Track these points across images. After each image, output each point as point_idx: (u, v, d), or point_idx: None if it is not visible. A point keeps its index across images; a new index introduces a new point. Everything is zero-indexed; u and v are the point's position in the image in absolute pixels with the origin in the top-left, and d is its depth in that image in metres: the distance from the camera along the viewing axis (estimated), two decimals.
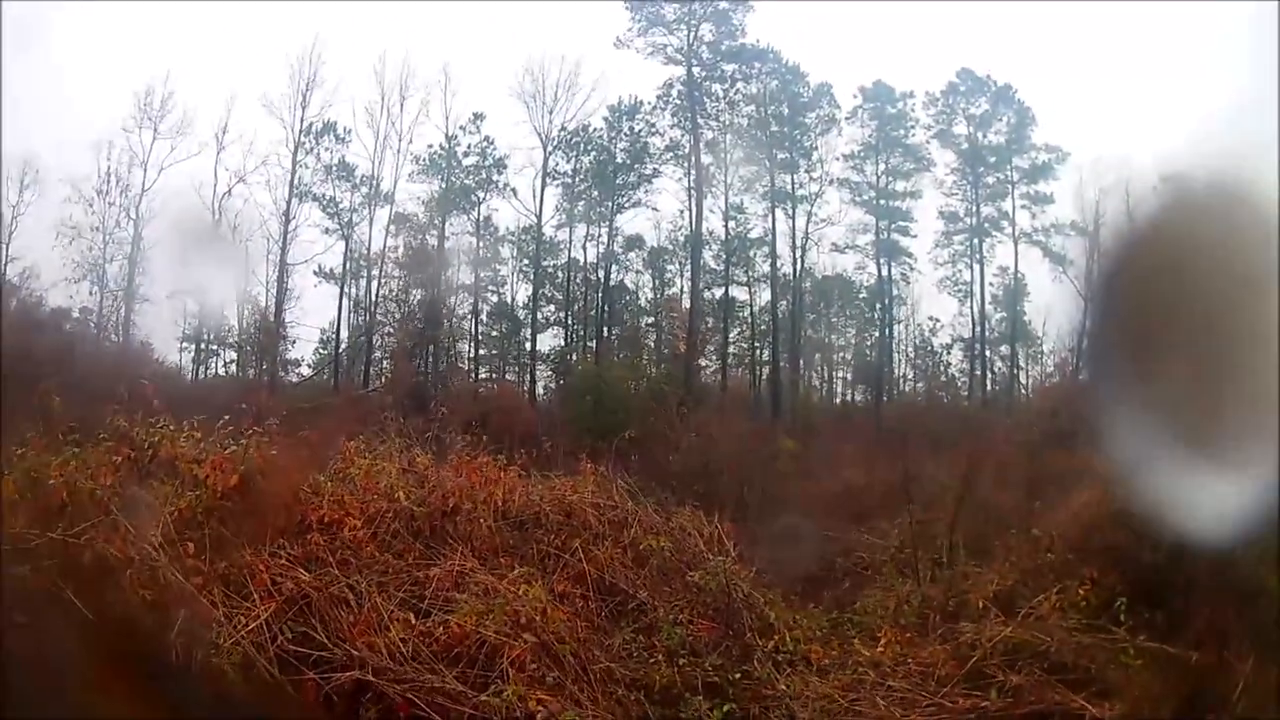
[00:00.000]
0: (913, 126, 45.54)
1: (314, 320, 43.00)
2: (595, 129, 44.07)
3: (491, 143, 43.93)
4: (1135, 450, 9.99)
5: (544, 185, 43.18)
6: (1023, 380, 45.80)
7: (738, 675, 12.14)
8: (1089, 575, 14.20)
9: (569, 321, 45.29)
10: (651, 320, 46.29)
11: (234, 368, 44.50)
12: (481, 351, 45.44)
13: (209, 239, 41.39)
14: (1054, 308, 44.09)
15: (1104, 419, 10.91)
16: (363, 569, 11.88)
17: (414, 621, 11.18)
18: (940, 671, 12.35)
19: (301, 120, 41.90)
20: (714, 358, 45.19)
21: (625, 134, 44.48)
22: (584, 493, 15.42)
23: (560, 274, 45.09)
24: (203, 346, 43.56)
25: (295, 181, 41.95)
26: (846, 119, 45.16)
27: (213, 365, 44.50)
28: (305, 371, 43.44)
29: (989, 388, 45.18)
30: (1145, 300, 9.49)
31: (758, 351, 46.15)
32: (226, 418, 13.30)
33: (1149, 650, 12.74)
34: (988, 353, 45.42)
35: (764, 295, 45.15)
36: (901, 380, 47.81)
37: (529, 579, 12.61)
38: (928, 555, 16.87)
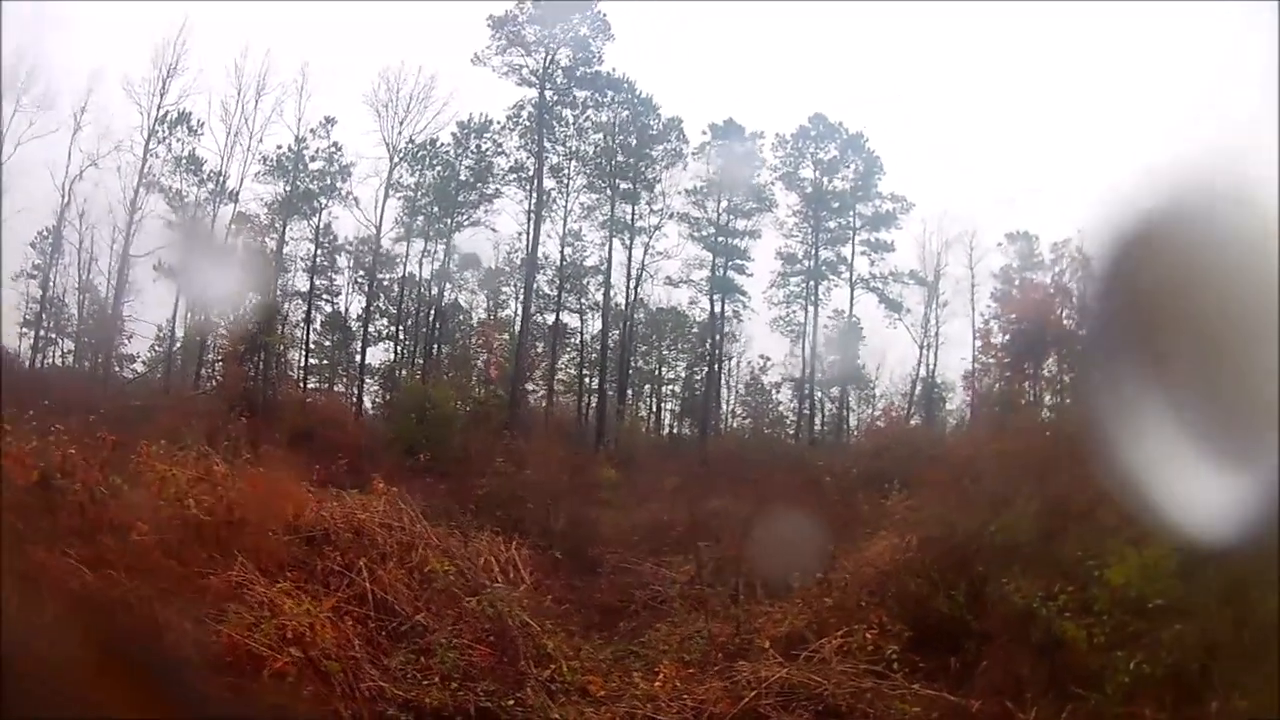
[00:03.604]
0: (759, 167, 46.00)
1: (152, 315, 41.60)
2: (443, 144, 43.66)
3: (339, 149, 43.05)
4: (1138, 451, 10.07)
5: (386, 196, 42.28)
6: (852, 422, 46.75)
7: (510, 702, 12.08)
8: (877, 620, 14.39)
9: (400, 336, 44.60)
10: (481, 341, 45.61)
11: (71, 359, 43.09)
12: (312, 361, 44.53)
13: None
14: (888, 353, 45.02)
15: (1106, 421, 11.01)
16: (147, 574, 11.61)
17: (190, 629, 10.96)
18: (714, 709, 12.38)
19: (159, 108, 40.37)
20: (541, 383, 45.02)
21: (472, 151, 44.08)
22: (375, 511, 15.24)
23: (395, 288, 44.42)
24: (40, 334, 41.68)
25: (145, 170, 40.29)
26: (693, 155, 45.46)
27: (51, 354, 42.80)
28: (139, 368, 42.06)
29: (818, 428, 45.86)
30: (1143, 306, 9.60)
31: (586, 379, 46.05)
32: (31, 412, 12.99)
33: (930, 697, 12.96)
34: (817, 393, 46.14)
35: (596, 324, 45.34)
36: (730, 416, 48.32)
37: (304, 594, 12.47)
38: (725, 591, 16.95)
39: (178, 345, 42.37)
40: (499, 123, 43.98)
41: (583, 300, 44.94)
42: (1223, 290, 8.47)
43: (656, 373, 48.34)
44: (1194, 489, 9.28)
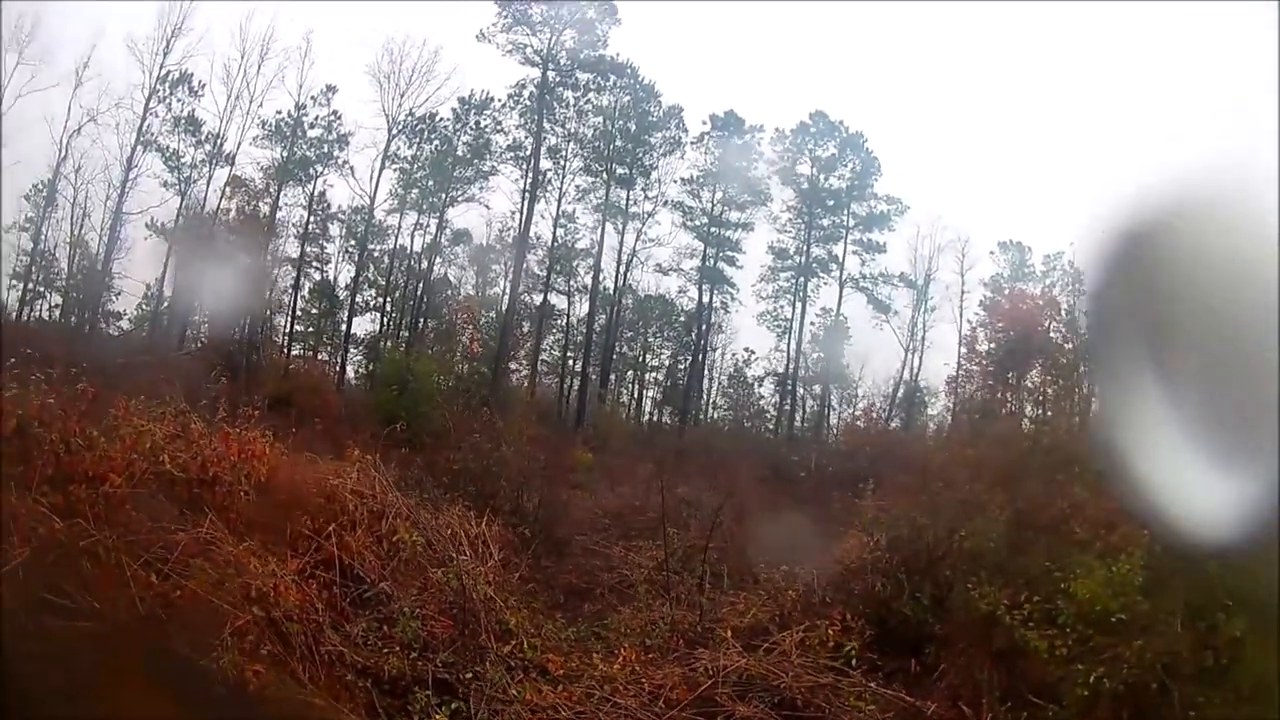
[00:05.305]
0: (757, 160, 45.84)
1: (141, 274, 41.22)
2: (442, 119, 43.30)
3: (338, 117, 42.65)
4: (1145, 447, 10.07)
5: (382, 168, 41.99)
6: (832, 420, 46.74)
7: (469, 675, 12.16)
8: (840, 617, 14.45)
9: (387, 308, 44.31)
10: (465, 317, 45.25)
11: (59, 313, 42.53)
12: (298, 328, 44.26)
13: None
14: (872, 354, 44.92)
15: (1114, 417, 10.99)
16: (116, 525, 11.68)
17: (155, 582, 11.00)
18: (671, 694, 12.45)
19: (161, 67, 39.83)
20: (524, 363, 44.98)
21: (470, 128, 43.83)
22: (348, 478, 15.26)
23: (385, 259, 44.13)
24: (30, 287, 41.33)
25: (143, 129, 39.89)
26: (692, 144, 45.39)
27: (39, 308, 42.24)
28: (125, 325, 41.64)
29: (798, 424, 45.95)
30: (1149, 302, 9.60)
31: (570, 362, 46.03)
32: (13, 360, 13.11)
33: (886, 697, 13.04)
34: (800, 390, 46.16)
35: (583, 306, 45.23)
36: (710, 407, 48.25)
37: (271, 555, 12.54)
38: (691, 579, 17.01)
39: (165, 305, 41.98)
40: (500, 101, 43.78)
41: (571, 282, 44.97)
42: (1225, 291, 8.51)
43: (640, 359, 48.20)
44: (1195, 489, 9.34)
